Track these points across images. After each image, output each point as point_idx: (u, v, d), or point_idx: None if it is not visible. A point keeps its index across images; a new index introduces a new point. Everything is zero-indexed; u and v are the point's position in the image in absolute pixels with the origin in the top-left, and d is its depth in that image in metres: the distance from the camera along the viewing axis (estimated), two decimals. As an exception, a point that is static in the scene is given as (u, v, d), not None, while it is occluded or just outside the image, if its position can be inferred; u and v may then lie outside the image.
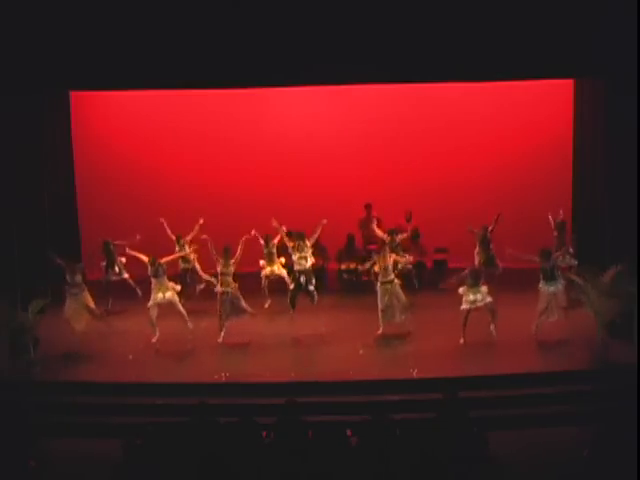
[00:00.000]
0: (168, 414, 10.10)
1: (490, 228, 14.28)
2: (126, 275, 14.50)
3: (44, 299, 12.57)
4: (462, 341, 12.28)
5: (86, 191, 16.38)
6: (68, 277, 12.74)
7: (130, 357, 12.26)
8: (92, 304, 12.89)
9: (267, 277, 14.36)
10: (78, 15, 12.41)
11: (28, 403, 10.41)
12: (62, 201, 15.58)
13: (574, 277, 12.44)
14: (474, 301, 12.26)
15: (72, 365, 12.12)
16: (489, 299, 12.27)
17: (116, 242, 14.47)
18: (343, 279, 15.86)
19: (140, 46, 12.53)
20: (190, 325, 12.54)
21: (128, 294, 14.45)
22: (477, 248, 14.33)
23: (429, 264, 16.07)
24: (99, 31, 12.46)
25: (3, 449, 8.14)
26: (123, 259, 14.51)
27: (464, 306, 12.30)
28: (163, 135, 16.95)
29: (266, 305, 14.21)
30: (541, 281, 12.36)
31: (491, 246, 14.30)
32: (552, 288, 12.29)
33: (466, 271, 12.48)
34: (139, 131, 16.97)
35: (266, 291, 14.32)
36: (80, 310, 12.76)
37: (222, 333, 12.49)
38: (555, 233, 14.23)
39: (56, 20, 12.43)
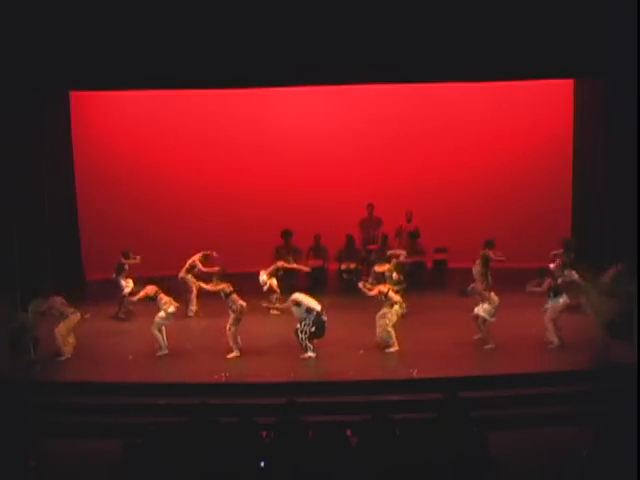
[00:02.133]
0: (168, 414, 10.10)
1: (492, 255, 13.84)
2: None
3: (44, 299, 12.55)
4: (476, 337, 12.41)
5: (86, 191, 16.40)
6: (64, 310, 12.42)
7: (130, 357, 12.26)
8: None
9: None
10: (78, 15, 12.40)
11: (28, 403, 10.41)
12: (62, 201, 15.59)
13: (574, 277, 12.43)
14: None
15: (72, 365, 12.12)
16: (480, 312, 12.26)
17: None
18: (343, 279, 15.86)
19: (140, 46, 12.52)
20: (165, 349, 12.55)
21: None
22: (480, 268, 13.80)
23: (429, 264, 16.08)
24: (99, 31, 12.44)
25: (3, 449, 8.14)
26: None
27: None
28: (163, 135, 16.97)
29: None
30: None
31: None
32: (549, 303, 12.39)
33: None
34: (139, 131, 16.98)
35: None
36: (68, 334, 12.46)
37: (235, 352, 12.36)
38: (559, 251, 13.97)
39: (56, 20, 12.41)
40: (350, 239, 15.93)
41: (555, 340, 12.17)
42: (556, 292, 12.28)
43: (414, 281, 13.80)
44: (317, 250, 15.82)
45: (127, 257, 14.31)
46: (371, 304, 12.91)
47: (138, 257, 14.32)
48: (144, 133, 17.00)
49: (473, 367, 11.54)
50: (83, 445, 10.13)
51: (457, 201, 16.64)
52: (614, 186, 13.87)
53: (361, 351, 12.14)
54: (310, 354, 12.05)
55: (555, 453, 9.52)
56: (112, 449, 8.29)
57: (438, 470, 7.49)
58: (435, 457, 7.58)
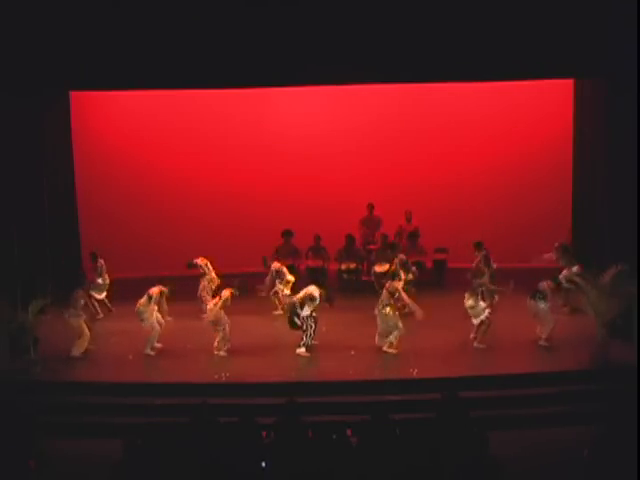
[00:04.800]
0: (168, 414, 10.10)
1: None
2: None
3: (44, 299, 12.55)
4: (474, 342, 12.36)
5: (86, 191, 16.39)
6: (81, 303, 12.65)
7: (130, 357, 12.26)
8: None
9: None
10: (78, 15, 12.41)
11: (28, 403, 10.41)
12: (62, 201, 15.58)
13: (574, 277, 12.43)
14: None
15: (72, 365, 12.12)
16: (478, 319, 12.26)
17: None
18: (343, 279, 15.86)
19: (140, 46, 12.54)
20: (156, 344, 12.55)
21: (129, 294, 14.44)
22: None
23: (429, 264, 16.06)
24: (99, 31, 12.46)
25: (3, 449, 8.13)
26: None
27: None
28: (163, 135, 16.97)
29: (276, 312, 14.25)
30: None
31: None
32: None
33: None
34: (139, 131, 16.98)
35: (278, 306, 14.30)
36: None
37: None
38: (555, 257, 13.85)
39: (56, 20, 12.43)
40: (350, 239, 15.91)
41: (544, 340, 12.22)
42: (543, 295, 12.26)
43: (414, 281, 13.78)
44: (317, 250, 15.81)
45: (96, 259, 14.40)
46: (370, 304, 12.91)
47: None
48: (144, 133, 17.00)
49: (473, 367, 11.54)
50: (83, 445, 10.14)
51: (457, 201, 16.64)
52: (614, 186, 13.88)
53: (352, 352, 12.12)
54: (307, 353, 12.08)
55: (555, 453, 9.52)
56: (112, 449, 8.29)
57: (438, 470, 7.48)
58: (435, 457, 7.58)
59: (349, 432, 8.06)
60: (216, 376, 11.40)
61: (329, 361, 11.98)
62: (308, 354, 12.10)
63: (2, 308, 11.95)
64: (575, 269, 13.11)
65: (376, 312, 12.21)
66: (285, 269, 14.25)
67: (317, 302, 12.22)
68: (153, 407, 10.76)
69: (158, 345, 12.55)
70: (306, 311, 12.17)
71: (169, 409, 10.53)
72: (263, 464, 7.64)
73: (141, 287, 13.11)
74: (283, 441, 8.03)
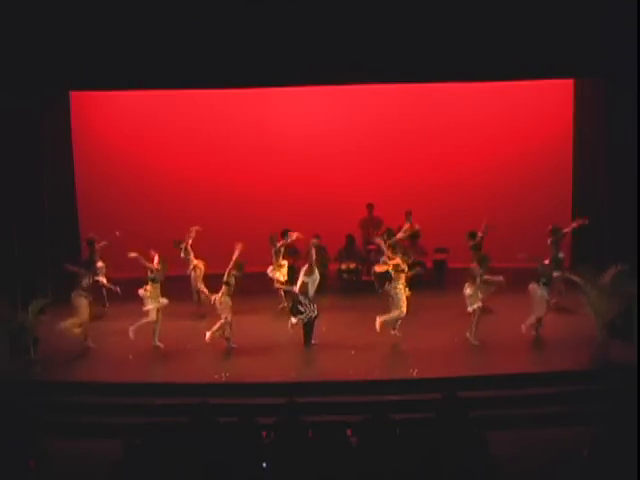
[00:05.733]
0: (168, 414, 10.10)
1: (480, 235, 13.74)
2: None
3: (44, 299, 12.56)
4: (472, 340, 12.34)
5: (86, 191, 16.40)
6: (84, 282, 12.58)
7: (130, 357, 12.27)
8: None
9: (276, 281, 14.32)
10: (78, 15, 12.42)
11: (28, 403, 10.40)
12: (62, 201, 15.59)
13: (574, 277, 12.44)
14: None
15: (72, 365, 12.12)
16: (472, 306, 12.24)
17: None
18: (343, 279, 15.87)
19: (140, 46, 12.54)
20: (158, 343, 12.54)
21: (129, 294, 14.45)
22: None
23: (429, 264, 16.06)
24: (99, 31, 12.47)
25: (3, 449, 8.13)
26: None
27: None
28: (163, 135, 16.98)
29: (280, 306, 14.21)
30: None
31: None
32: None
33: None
34: (139, 131, 16.99)
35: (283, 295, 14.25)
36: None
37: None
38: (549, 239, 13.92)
39: (55, 20, 12.43)
40: (350, 239, 15.92)
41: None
42: (546, 281, 12.24)
43: (414, 281, 13.77)
44: (317, 250, 15.77)
45: (92, 244, 14.32)
46: (370, 304, 12.92)
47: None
48: (144, 133, 17.01)
49: (473, 367, 11.54)
50: (83, 445, 10.14)
51: (457, 201, 16.63)
52: (614, 186, 13.88)
53: (352, 352, 12.12)
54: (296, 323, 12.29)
55: (554, 453, 9.52)
56: (112, 449, 8.29)
57: (438, 470, 7.48)
58: (435, 457, 7.58)
59: (349, 432, 8.06)
60: (216, 376, 11.40)
61: (329, 361, 11.99)
62: (296, 323, 12.29)
63: (2, 308, 11.96)
64: (560, 255, 13.09)
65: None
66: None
67: (315, 274, 12.35)
68: (153, 407, 10.76)
69: (160, 345, 12.54)
70: (310, 290, 12.27)
71: (169, 409, 10.53)
72: (264, 465, 7.64)
73: (141, 287, 13.12)
74: (283, 441, 8.02)
